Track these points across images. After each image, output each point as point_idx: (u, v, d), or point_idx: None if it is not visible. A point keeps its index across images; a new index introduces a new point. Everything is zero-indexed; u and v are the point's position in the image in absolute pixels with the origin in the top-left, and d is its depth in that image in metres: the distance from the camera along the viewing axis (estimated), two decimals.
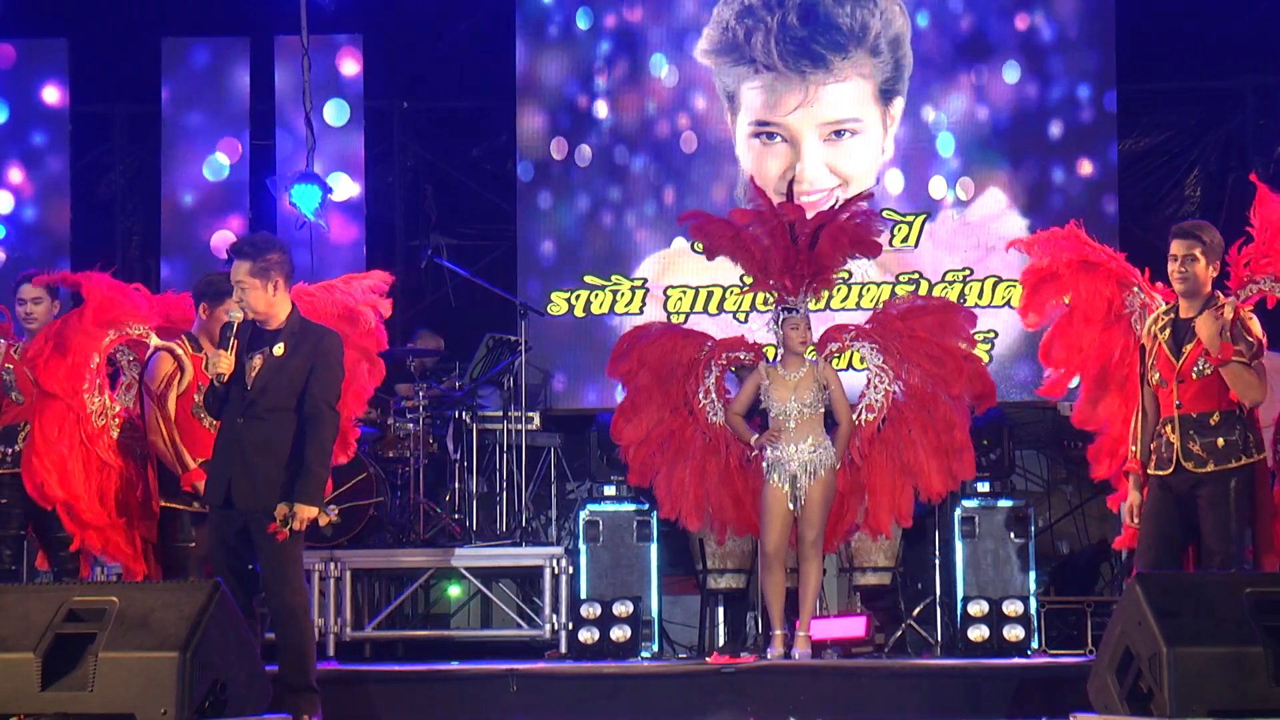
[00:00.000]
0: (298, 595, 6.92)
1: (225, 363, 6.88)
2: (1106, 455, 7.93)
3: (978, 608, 9.21)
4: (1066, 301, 7.99)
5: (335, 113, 11.91)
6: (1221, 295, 7.25)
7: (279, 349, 6.91)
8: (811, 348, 8.75)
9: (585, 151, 11.75)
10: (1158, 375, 7.20)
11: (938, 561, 9.71)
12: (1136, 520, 7.30)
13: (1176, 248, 7.15)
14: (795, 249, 8.67)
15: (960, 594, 9.45)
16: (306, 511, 6.78)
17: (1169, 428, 7.14)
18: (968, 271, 11.32)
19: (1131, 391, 7.63)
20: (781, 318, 8.67)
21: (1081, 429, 8.10)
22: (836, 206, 8.96)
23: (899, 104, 11.51)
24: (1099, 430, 7.96)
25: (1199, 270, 7.13)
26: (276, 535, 6.74)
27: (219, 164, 11.98)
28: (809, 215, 8.93)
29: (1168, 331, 7.20)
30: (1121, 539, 7.88)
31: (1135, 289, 7.80)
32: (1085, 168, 11.48)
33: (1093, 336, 7.87)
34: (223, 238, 11.36)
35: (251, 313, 6.94)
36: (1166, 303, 7.47)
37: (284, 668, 6.93)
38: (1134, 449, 7.35)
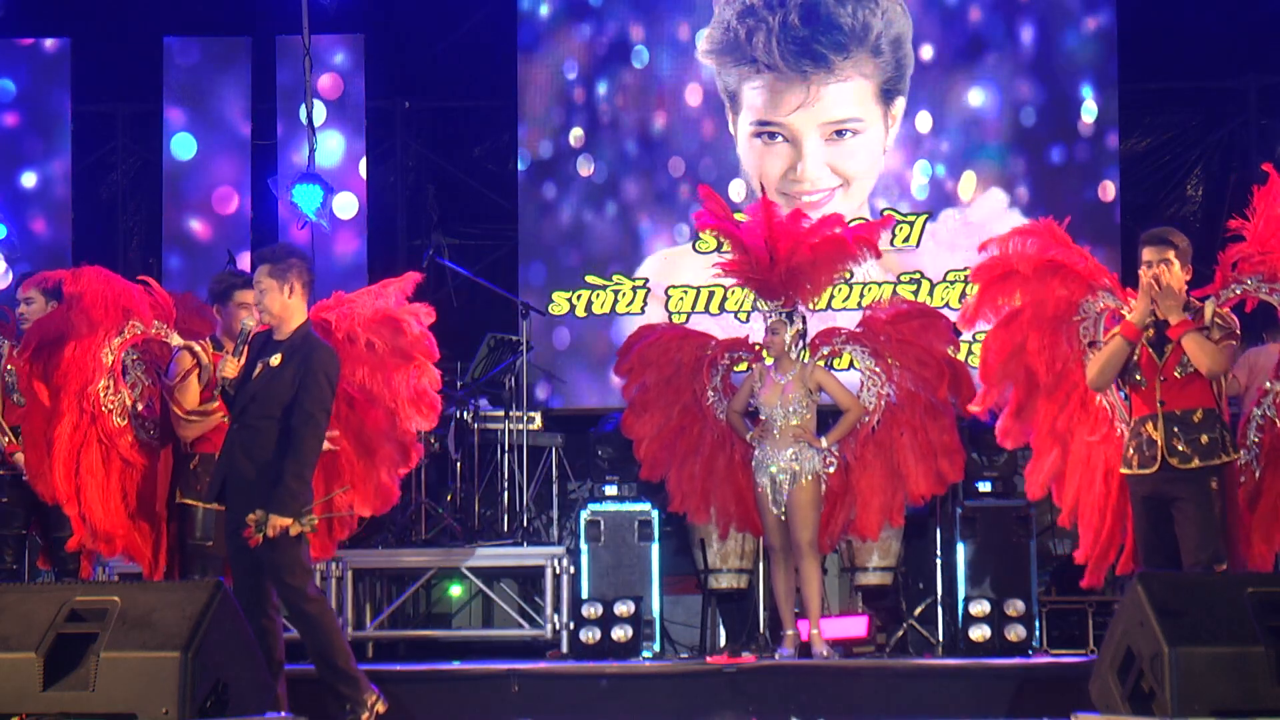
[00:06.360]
0: (301, 596, 6.94)
1: (230, 367, 7.05)
2: (1038, 473, 7.74)
3: (979, 607, 9.20)
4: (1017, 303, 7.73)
5: (336, 112, 11.91)
6: (1195, 300, 7.24)
7: (275, 359, 6.99)
8: (805, 350, 8.76)
9: (586, 151, 11.75)
10: (1138, 375, 7.19)
11: (939, 561, 9.70)
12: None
13: (1150, 254, 7.12)
14: (772, 260, 8.67)
15: (962, 594, 9.44)
16: (278, 520, 6.81)
17: (1151, 425, 7.14)
18: (969, 271, 11.26)
19: (1060, 398, 7.56)
20: (766, 320, 8.72)
21: (1005, 444, 7.87)
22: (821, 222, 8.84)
23: (900, 104, 11.52)
24: (1027, 442, 7.80)
25: (1175, 273, 7.12)
26: (250, 540, 6.78)
27: (220, 164, 11.97)
28: (812, 214, 8.96)
29: (1150, 331, 7.18)
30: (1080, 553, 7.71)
31: (1104, 292, 7.59)
32: (1087, 168, 11.47)
33: (1036, 340, 7.65)
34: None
35: (267, 316, 7.04)
36: None
37: (315, 666, 7.03)
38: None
